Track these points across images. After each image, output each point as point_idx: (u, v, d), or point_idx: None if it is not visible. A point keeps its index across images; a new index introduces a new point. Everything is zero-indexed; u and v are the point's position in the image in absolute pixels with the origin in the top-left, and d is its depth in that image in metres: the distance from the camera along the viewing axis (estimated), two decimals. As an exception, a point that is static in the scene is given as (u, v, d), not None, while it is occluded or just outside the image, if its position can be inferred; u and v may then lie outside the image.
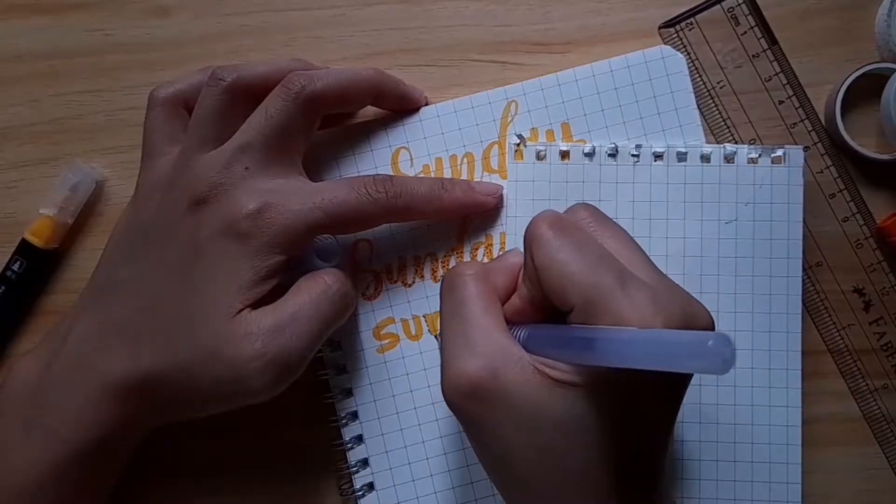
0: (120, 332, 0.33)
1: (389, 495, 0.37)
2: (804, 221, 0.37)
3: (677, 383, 0.29)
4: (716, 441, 0.37)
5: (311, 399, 0.38)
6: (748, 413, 0.37)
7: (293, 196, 0.33)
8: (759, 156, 0.37)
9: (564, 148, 0.38)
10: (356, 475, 0.37)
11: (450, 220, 0.38)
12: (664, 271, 0.30)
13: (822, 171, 0.38)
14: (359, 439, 0.37)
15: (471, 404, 0.29)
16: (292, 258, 0.33)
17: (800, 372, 0.37)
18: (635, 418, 0.28)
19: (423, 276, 0.38)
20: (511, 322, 0.32)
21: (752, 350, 0.37)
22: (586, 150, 0.37)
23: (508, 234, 0.38)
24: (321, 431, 0.38)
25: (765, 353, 0.37)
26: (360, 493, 0.37)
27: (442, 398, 0.30)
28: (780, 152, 0.37)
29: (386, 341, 0.38)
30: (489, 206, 0.37)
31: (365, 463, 0.37)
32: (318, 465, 0.39)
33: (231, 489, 0.39)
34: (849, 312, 0.38)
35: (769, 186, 0.37)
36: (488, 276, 0.33)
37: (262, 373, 0.32)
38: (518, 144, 0.38)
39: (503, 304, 0.32)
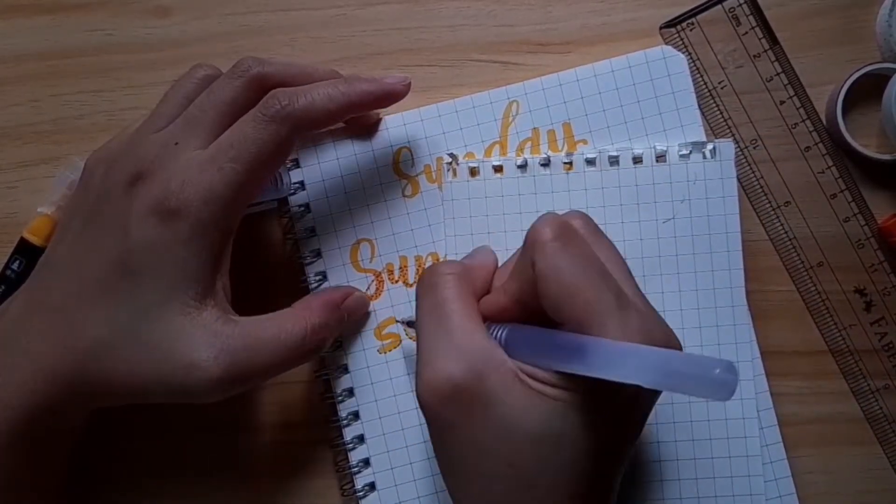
0: (52, 316, 0.32)
1: (391, 495, 0.37)
2: (805, 221, 0.37)
3: (649, 405, 0.29)
4: (676, 459, 0.36)
5: (312, 399, 0.38)
6: (705, 428, 0.36)
7: (197, 165, 0.32)
8: (690, 152, 0.37)
9: (497, 163, 0.38)
10: (358, 475, 0.37)
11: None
12: None
13: (823, 172, 0.38)
14: (360, 439, 0.37)
15: (449, 407, 0.29)
16: (236, 224, 0.33)
17: (752, 364, 0.36)
18: (605, 438, 0.28)
19: (424, 277, 0.38)
20: (489, 320, 0.31)
21: (701, 347, 0.36)
22: (519, 163, 0.37)
23: (448, 255, 0.37)
24: (322, 431, 0.38)
25: (714, 348, 0.36)
26: (361, 493, 0.37)
27: None
28: (710, 146, 0.37)
29: (388, 341, 0.38)
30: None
31: (366, 463, 0.37)
32: (319, 465, 0.39)
33: (231, 489, 0.39)
34: (850, 313, 0.38)
35: (703, 182, 0.37)
36: (468, 276, 0.32)
37: (208, 383, 0.31)
38: (450, 163, 0.38)
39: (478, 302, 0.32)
